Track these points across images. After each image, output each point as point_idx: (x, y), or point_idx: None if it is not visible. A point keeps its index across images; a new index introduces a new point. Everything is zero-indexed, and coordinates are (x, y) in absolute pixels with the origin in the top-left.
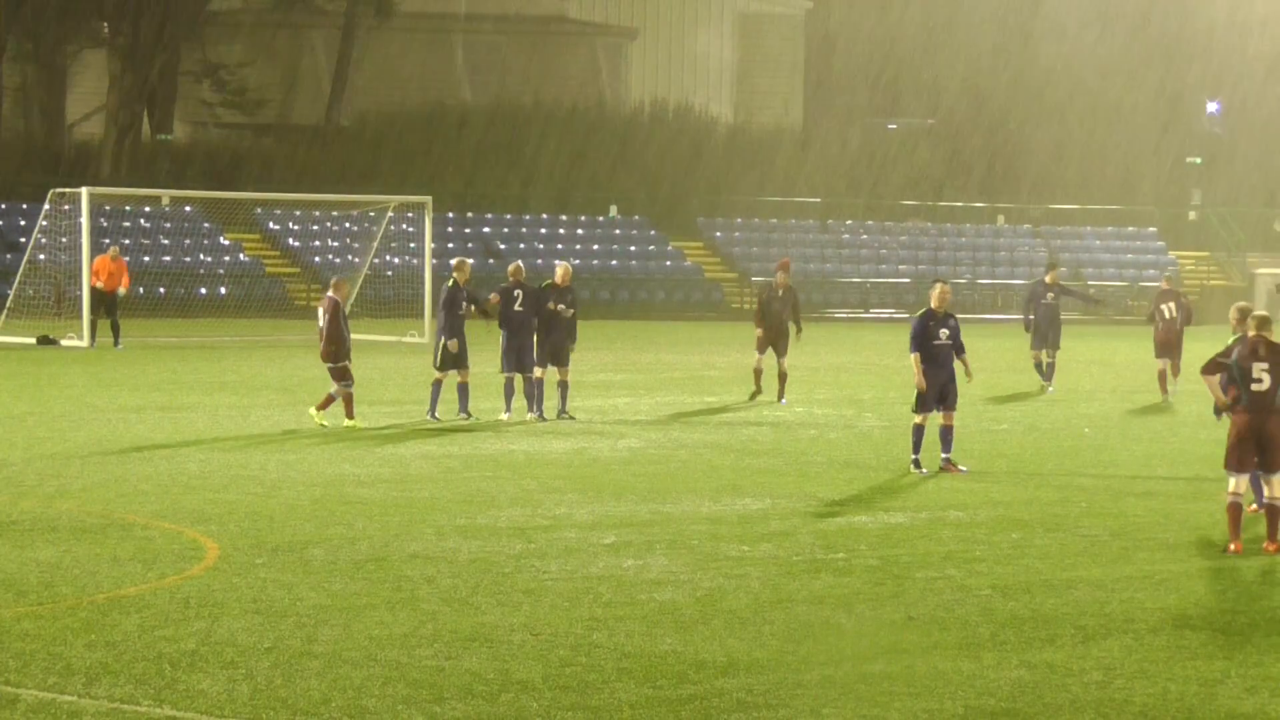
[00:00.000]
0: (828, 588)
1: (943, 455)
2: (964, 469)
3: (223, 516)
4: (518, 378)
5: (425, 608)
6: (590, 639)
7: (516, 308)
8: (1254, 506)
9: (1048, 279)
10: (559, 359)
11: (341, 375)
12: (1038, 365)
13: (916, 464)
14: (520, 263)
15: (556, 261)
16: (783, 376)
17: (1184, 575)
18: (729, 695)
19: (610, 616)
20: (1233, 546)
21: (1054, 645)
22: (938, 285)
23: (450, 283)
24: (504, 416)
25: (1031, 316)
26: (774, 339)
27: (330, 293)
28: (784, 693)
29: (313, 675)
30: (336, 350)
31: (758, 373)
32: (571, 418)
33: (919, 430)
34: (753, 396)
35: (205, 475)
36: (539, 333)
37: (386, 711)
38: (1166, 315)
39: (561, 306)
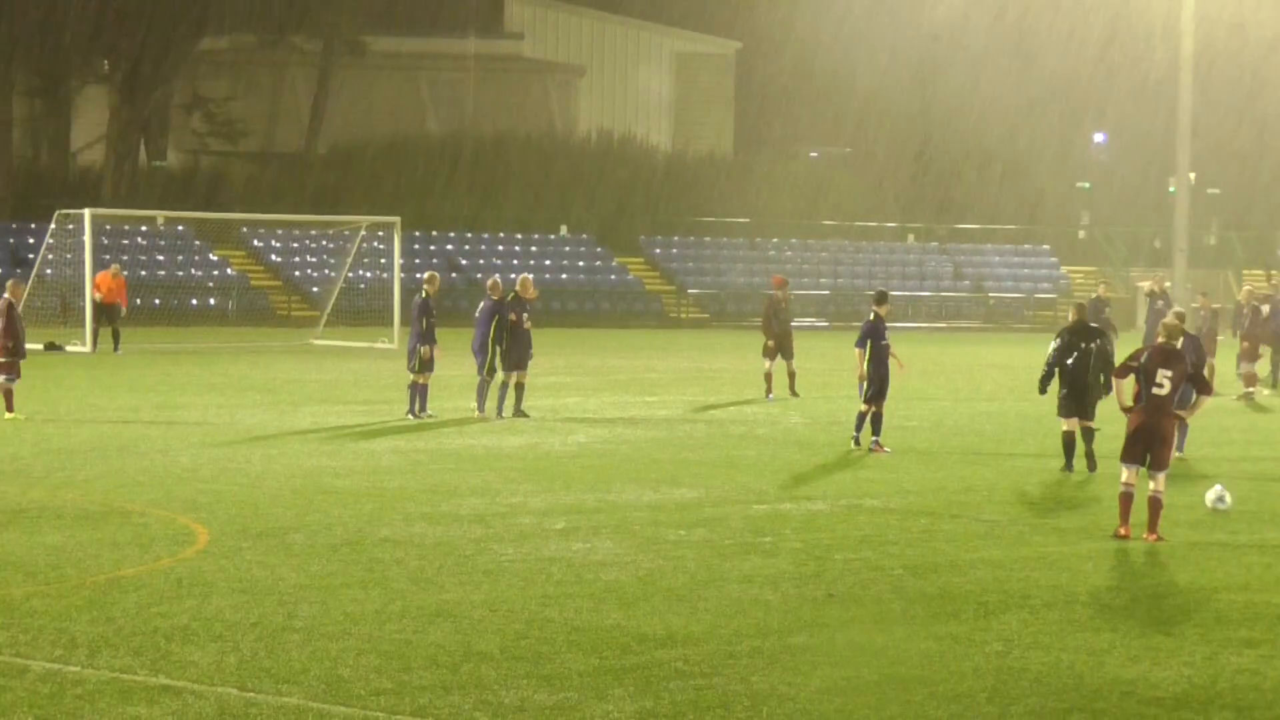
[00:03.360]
0: (756, 568)
1: (873, 439)
2: (888, 450)
3: (212, 505)
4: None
5: (394, 586)
6: (543, 614)
7: (478, 314)
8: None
9: (1101, 293)
10: (523, 363)
11: (9, 370)
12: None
13: (856, 441)
14: (497, 277)
15: (513, 275)
16: (792, 375)
17: (1075, 556)
18: (668, 665)
19: (561, 594)
20: (1122, 531)
21: (958, 619)
22: (888, 296)
23: (422, 294)
24: (481, 414)
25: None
26: (783, 345)
27: (6, 295)
28: (717, 662)
29: (293, 647)
30: (13, 346)
31: (768, 376)
32: (526, 416)
33: (862, 417)
34: (766, 395)
35: (196, 468)
36: (508, 339)
37: (359, 680)
38: (1264, 314)
39: (525, 316)
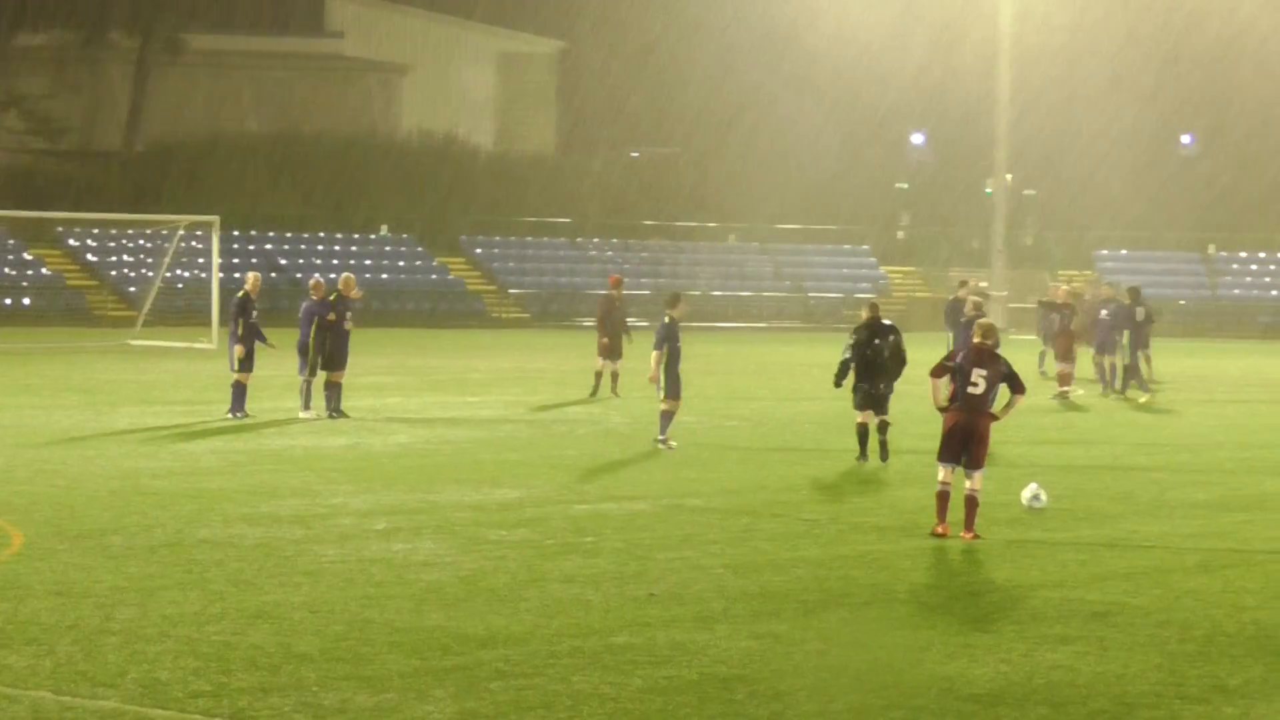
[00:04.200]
0: (578, 568)
1: (659, 436)
2: (673, 445)
3: (28, 507)
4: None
5: (214, 588)
6: (364, 615)
7: (301, 314)
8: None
9: (1104, 294)
10: (342, 363)
11: None
12: (1099, 370)
13: (663, 442)
14: (318, 277)
15: (333, 275)
16: (615, 375)
17: (894, 555)
18: (489, 665)
19: (382, 595)
20: (939, 529)
21: (779, 618)
22: (682, 297)
23: (241, 294)
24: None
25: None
26: (615, 344)
27: None
28: (539, 663)
29: (110, 650)
30: None
31: (598, 375)
32: (346, 416)
33: (664, 415)
34: (592, 393)
35: (11, 470)
36: (330, 339)
37: (178, 683)
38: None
39: (348, 315)
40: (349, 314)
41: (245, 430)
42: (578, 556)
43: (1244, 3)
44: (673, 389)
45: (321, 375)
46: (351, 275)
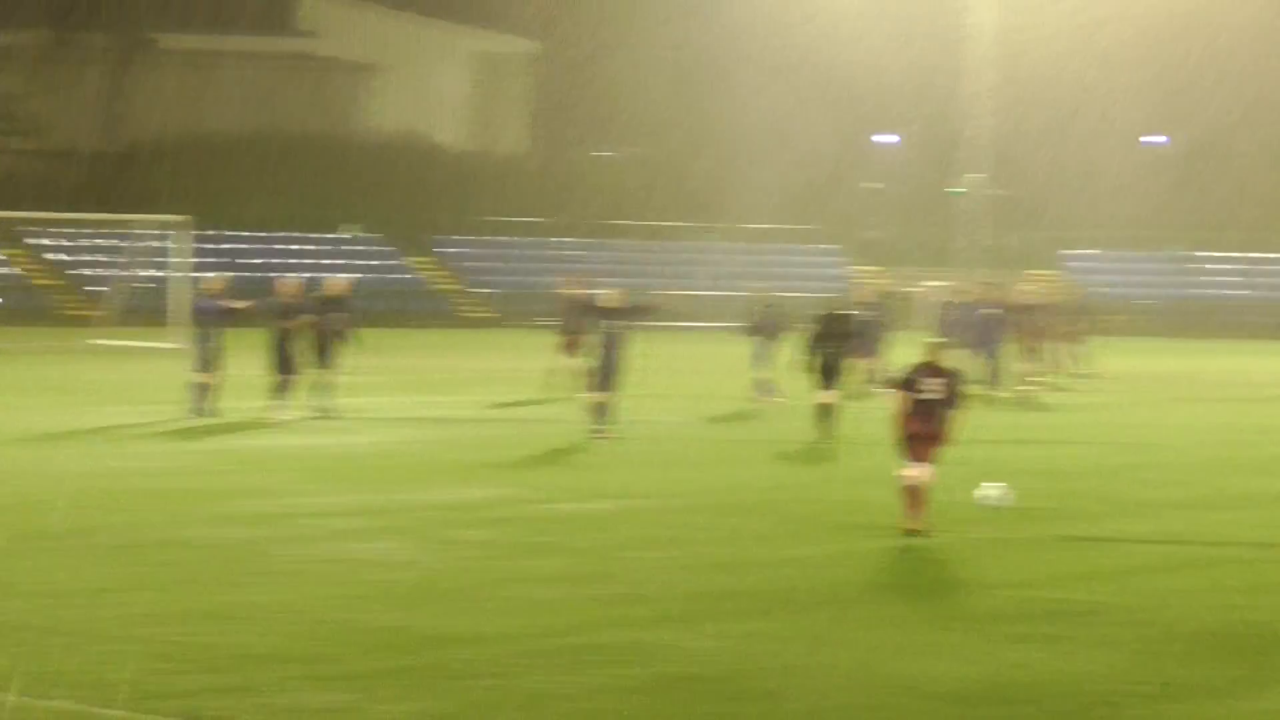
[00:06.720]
0: (539, 568)
1: (599, 427)
2: (611, 438)
3: None
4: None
5: (169, 589)
6: (321, 615)
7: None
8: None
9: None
10: (332, 363)
11: None
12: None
13: (599, 432)
14: (298, 279)
15: (304, 275)
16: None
17: (882, 553)
18: (446, 665)
19: (340, 595)
20: (910, 525)
21: (767, 617)
22: (611, 290)
23: (208, 295)
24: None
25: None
26: (577, 345)
27: None
28: (501, 663)
29: (62, 651)
30: None
31: (563, 374)
32: (329, 416)
33: (594, 406)
34: (562, 394)
35: None
36: (315, 339)
37: (131, 683)
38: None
39: (333, 316)
40: (325, 316)
41: (208, 430)
42: (540, 557)
43: (1218, 4)
44: (600, 379)
45: (304, 375)
46: (339, 277)
